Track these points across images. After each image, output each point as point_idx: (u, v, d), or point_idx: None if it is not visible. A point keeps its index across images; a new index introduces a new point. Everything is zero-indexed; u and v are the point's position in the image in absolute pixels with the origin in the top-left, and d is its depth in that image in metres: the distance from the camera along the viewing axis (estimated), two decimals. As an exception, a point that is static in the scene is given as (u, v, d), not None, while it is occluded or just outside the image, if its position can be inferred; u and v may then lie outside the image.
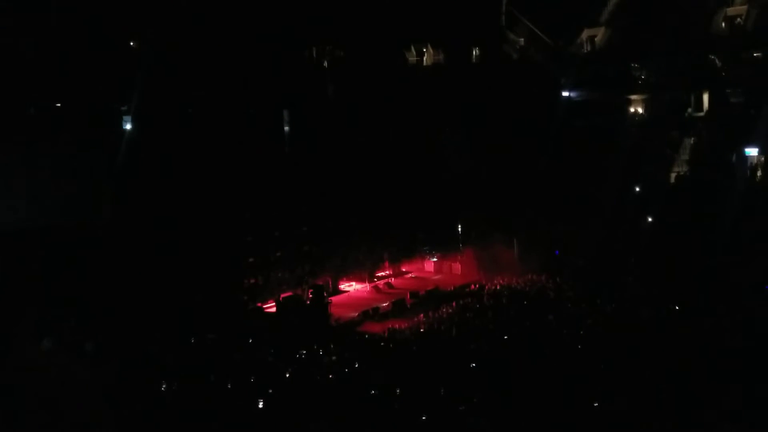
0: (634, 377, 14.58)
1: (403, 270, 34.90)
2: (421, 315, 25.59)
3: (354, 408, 14.00)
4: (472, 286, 29.38)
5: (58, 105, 26.86)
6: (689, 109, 34.42)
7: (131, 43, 28.90)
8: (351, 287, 31.74)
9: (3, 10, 23.89)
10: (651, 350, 16.39)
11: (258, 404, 13.79)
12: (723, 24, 33.26)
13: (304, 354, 18.56)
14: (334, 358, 18.22)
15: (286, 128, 33.61)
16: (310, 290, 26.60)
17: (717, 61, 33.08)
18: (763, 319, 18.39)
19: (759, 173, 31.13)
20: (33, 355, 16.17)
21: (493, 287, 28.38)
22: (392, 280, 33.03)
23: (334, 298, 28.59)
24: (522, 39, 38.26)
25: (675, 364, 15.02)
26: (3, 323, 17.87)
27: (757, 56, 31.26)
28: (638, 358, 15.69)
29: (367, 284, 31.85)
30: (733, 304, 19.97)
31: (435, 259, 34.84)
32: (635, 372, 14.90)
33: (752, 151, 31.21)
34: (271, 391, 14.74)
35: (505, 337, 19.45)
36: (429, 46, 38.56)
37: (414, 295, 29.22)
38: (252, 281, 27.62)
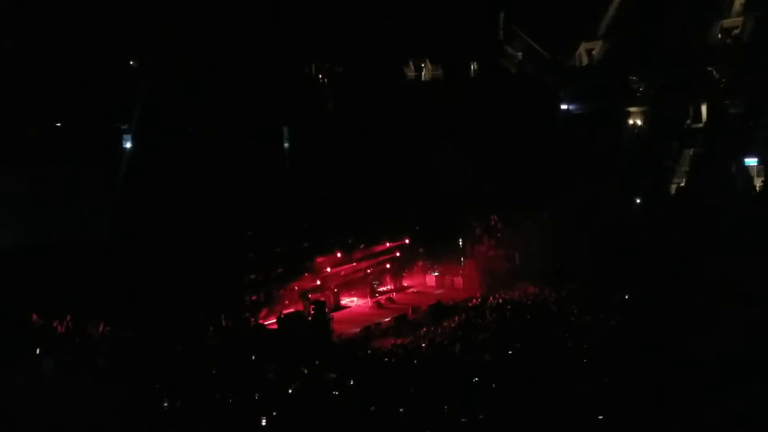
0: (639, 391, 14.48)
1: (405, 285, 34.87)
2: (423, 329, 25.54)
3: (357, 424, 13.90)
4: (474, 300, 29.29)
5: (58, 125, 27.01)
6: (688, 121, 34.64)
7: (131, 62, 29.11)
8: (353, 302, 31.67)
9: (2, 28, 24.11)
10: (655, 362, 16.30)
11: (261, 422, 13.69)
12: (719, 36, 33.58)
13: (306, 371, 18.45)
14: (334, 375, 18.10)
15: (286, 145, 33.79)
16: (312, 306, 26.52)
17: (714, 72, 33.32)
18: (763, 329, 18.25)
19: (759, 184, 31.22)
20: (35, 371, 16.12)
21: (495, 301, 28.29)
22: (394, 295, 32.95)
23: (336, 314, 28.52)
24: (520, 53, 38.58)
25: (678, 377, 14.92)
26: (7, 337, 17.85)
27: (754, 67, 31.50)
28: (643, 371, 15.59)
29: (369, 299, 31.77)
30: (734, 315, 19.86)
31: (436, 274, 34.81)
32: (640, 386, 14.80)
33: (752, 162, 31.35)
34: (273, 407, 14.63)
35: (509, 352, 19.34)
36: (427, 61, 38.87)
37: (416, 309, 29.13)
38: (253, 298, 27.59)
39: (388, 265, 34.00)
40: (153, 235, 25.04)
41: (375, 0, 34.36)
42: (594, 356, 17.93)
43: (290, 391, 16.23)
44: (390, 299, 32.15)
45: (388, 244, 33.71)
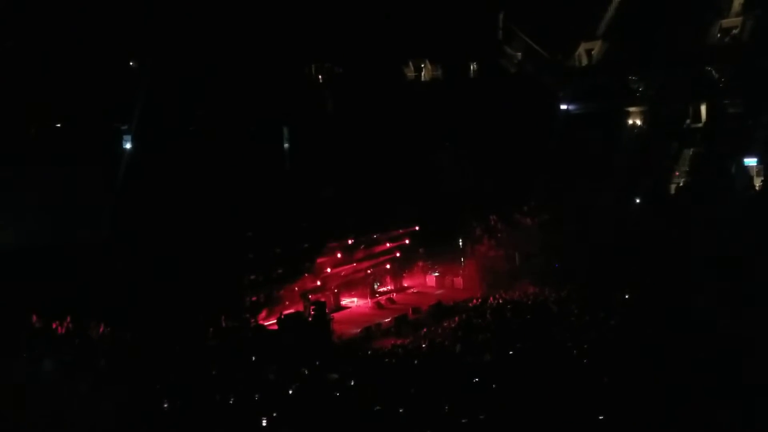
0: (639, 391, 14.48)
1: (405, 285, 34.88)
2: (424, 330, 25.53)
3: (357, 425, 13.90)
4: (474, 301, 29.29)
5: (58, 125, 27.02)
6: (687, 121, 34.64)
7: (131, 63, 29.11)
8: (353, 303, 31.67)
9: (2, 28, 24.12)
10: (655, 362, 16.30)
11: (261, 422, 13.69)
12: (719, 35, 33.60)
13: (306, 371, 18.45)
14: (336, 375, 18.10)
15: (286, 145, 33.79)
16: (312, 307, 26.52)
17: (714, 72, 33.33)
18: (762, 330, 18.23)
19: (759, 184, 31.23)
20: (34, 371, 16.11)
21: (495, 301, 28.31)
22: (394, 295, 32.97)
23: (336, 315, 28.52)
24: (519, 53, 38.57)
25: (678, 378, 14.91)
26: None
27: (753, 67, 31.51)
28: (643, 371, 15.59)
29: (369, 300, 31.77)
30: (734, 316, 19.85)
31: (437, 274, 34.82)
32: (640, 386, 14.80)
33: (751, 161, 31.35)
34: (273, 408, 14.64)
35: (510, 352, 19.34)
36: (427, 61, 38.87)
37: (416, 310, 29.14)
38: (254, 299, 27.58)
39: (388, 266, 34.02)
40: (153, 236, 25.02)
41: (375, 0, 34.38)
42: (594, 356, 17.93)
43: (290, 391, 16.23)
44: (390, 299, 32.17)
45: (388, 245, 33.74)
